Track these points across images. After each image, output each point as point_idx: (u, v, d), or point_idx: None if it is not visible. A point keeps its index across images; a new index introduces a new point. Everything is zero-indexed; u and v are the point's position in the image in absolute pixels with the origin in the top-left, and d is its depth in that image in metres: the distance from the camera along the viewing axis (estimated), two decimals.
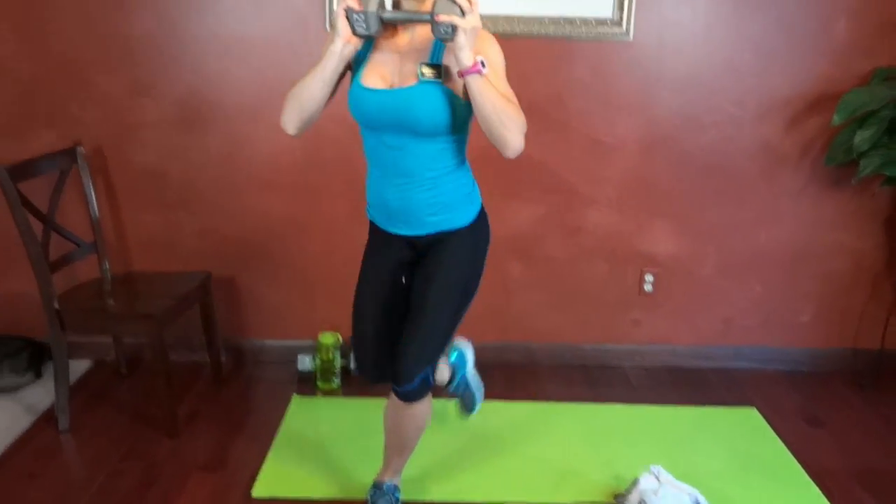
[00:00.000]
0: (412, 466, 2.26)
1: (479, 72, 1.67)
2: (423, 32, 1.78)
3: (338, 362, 2.96)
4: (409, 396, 1.97)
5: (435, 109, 1.74)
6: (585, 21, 2.74)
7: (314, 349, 3.02)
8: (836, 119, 2.59)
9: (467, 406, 2.53)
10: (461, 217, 1.94)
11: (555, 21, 2.74)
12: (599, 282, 3.12)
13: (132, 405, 2.81)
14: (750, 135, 2.90)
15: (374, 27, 1.71)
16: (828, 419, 2.81)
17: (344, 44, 1.73)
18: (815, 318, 3.15)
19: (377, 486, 2.18)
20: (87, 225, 2.84)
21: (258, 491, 2.30)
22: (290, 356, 3.12)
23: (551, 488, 2.36)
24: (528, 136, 1.76)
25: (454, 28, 1.62)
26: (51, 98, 2.84)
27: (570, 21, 2.74)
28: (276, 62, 2.82)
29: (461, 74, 1.68)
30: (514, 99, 1.78)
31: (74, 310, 2.54)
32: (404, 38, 1.83)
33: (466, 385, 2.49)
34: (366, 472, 2.31)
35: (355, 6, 1.69)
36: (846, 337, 3.17)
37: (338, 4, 1.71)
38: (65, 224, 2.77)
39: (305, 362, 3.01)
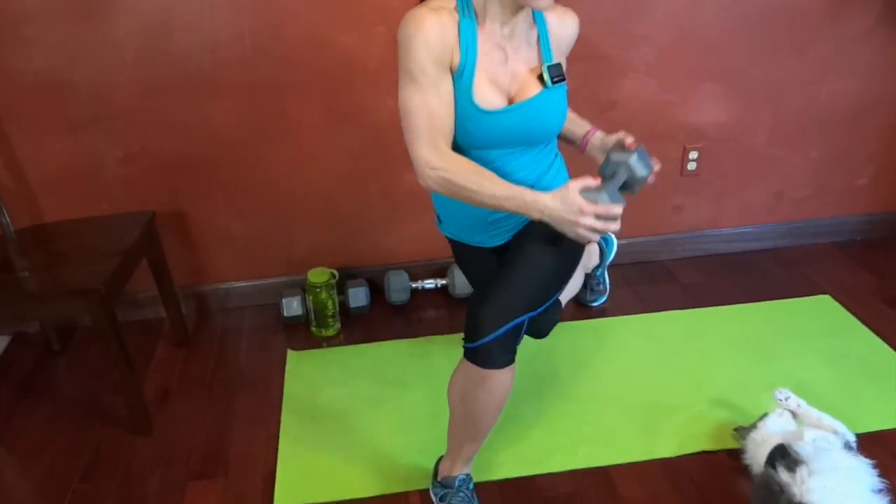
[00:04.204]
0: None
1: None
2: (525, 22, 1.50)
3: (335, 302, 2.37)
4: (490, 356, 1.45)
5: (560, 118, 1.57)
6: None
7: (299, 287, 2.41)
8: None
9: (594, 297, 2.47)
10: None
11: None
12: None
13: (78, 394, 2.16)
14: None
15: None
16: None
17: None
18: (873, 180, 2.74)
19: (446, 484, 1.67)
20: None
21: (282, 499, 1.75)
22: (266, 298, 2.51)
23: (643, 434, 1.91)
24: None
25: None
26: None
27: None
28: None
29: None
30: None
31: None
32: (504, 30, 1.48)
33: (604, 276, 2.49)
34: (409, 445, 1.83)
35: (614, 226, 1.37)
36: None
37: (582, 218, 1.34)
38: None
39: (293, 307, 2.39)
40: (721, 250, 2.76)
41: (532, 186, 1.56)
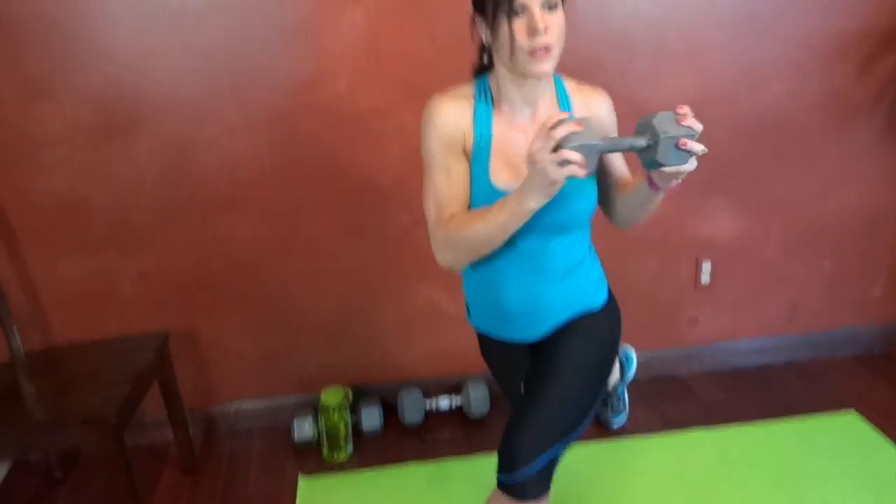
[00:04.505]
0: None
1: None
2: (548, 105, 1.46)
3: (347, 424, 2.29)
4: (526, 490, 1.38)
5: (589, 203, 1.47)
6: None
7: (310, 407, 2.35)
8: None
9: (614, 415, 2.41)
10: (591, 304, 1.58)
11: None
12: (648, 279, 2.57)
13: None
14: (819, 84, 2.39)
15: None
16: None
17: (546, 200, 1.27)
18: (888, 290, 2.72)
19: None
20: None
21: None
22: (277, 418, 2.44)
23: None
24: None
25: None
26: None
27: None
28: (230, 34, 2.08)
29: (654, 187, 1.35)
30: None
31: None
32: (524, 112, 1.45)
33: (623, 393, 2.43)
34: None
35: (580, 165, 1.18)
36: None
37: (550, 164, 1.18)
38: None
39: (304, 430, 2.31)
40: (739, 364, 2.71)
41: (562, 278, 1.53)
